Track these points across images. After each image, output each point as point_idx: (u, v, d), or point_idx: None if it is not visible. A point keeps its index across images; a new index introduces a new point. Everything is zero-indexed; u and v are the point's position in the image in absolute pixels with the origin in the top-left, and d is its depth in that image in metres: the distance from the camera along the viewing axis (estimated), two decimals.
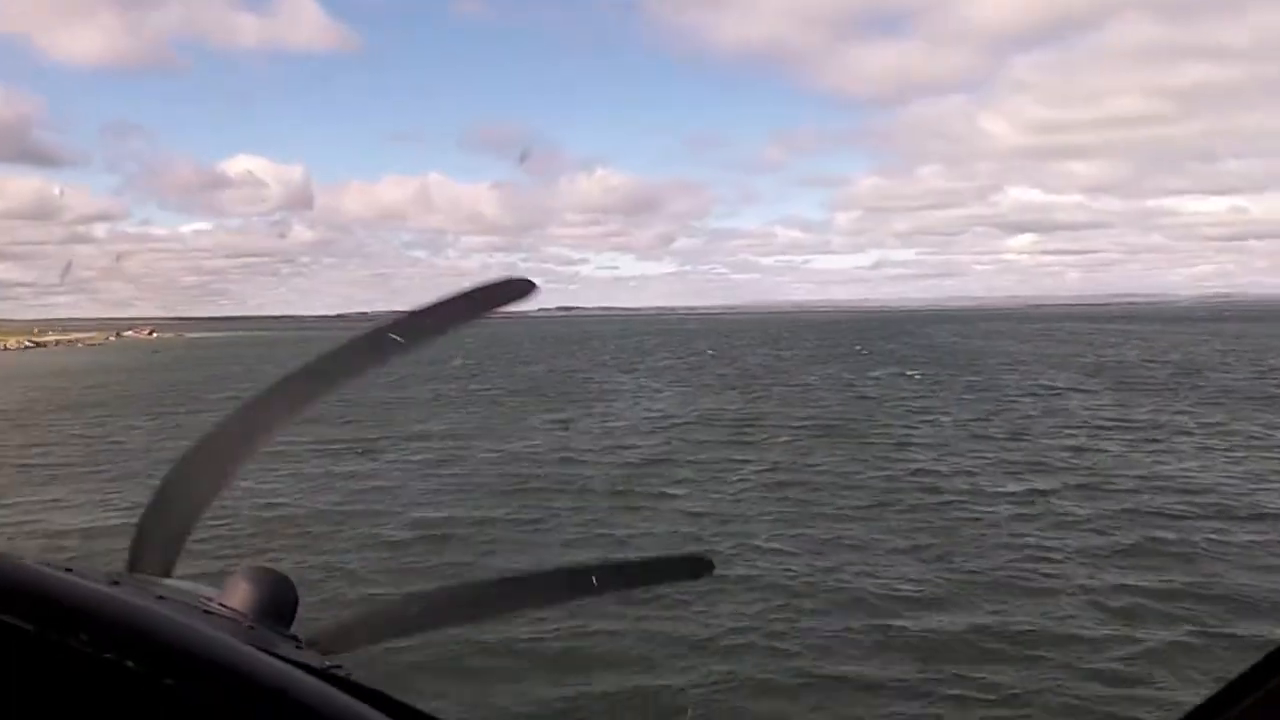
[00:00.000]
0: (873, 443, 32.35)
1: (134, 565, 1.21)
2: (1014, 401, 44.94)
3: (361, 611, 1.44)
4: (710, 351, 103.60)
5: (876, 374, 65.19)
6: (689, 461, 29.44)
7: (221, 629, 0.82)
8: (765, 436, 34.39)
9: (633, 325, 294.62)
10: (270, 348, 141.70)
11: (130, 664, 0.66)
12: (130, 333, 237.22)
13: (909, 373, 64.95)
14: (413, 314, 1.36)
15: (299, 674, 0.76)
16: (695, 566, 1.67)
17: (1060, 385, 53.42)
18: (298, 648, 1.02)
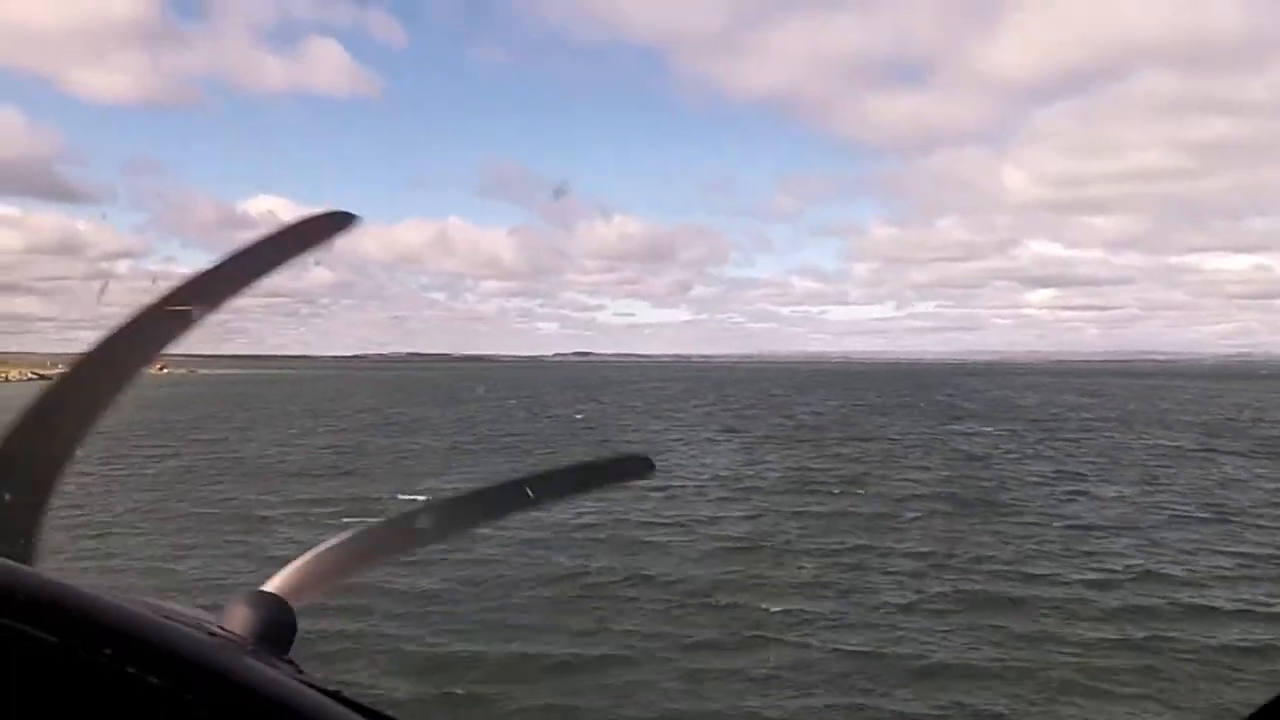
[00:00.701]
0: (1036, 523, 24.38)
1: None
2: (1160, 466, 36.85)
3: (312, 554, 1.37)
4: (746, 399, 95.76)
5: (957, 428, 57.23)
6: (798, 548, 21.57)
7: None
8: (886, 511, 26.40)
9: (650, 371, 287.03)
10: (269, 385, 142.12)
11: (154, 680, 0.67)
12: None
13: (986, 428, 57.01)
14: (216, 269, 1.26)
15: (317, 696, 0.78)
16: (636, 466, 1.62)
17: (1189, 446, 45.30)
18: (298, 673, 0.98)
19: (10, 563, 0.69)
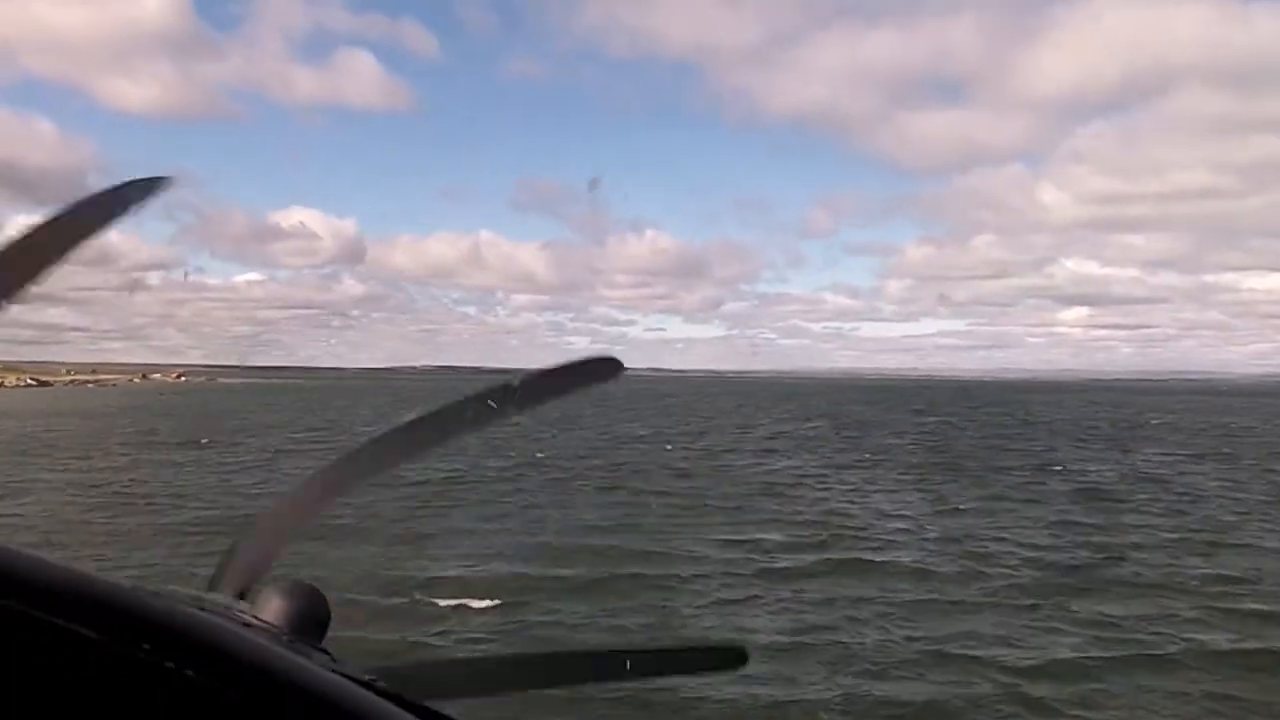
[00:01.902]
0: None
1: (214, 587, 1.21)
2: None
3: (405, 663, 1.45)
4: (823, 416, 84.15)
5: (1143, 453, 45.68)
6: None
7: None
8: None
9: (688, 386, 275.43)
10: (278, 395, 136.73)
11: (191, 674, 0.67)
12: (158, 375, 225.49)
13: (1156, 452, 45.32)
14: (511, 385, 1.36)
15: (354, 687, 0.79)
16: (729, 657, 1.58)
17: None
18: (333, 663, 0.99)
19: (47, 559, 0.68)
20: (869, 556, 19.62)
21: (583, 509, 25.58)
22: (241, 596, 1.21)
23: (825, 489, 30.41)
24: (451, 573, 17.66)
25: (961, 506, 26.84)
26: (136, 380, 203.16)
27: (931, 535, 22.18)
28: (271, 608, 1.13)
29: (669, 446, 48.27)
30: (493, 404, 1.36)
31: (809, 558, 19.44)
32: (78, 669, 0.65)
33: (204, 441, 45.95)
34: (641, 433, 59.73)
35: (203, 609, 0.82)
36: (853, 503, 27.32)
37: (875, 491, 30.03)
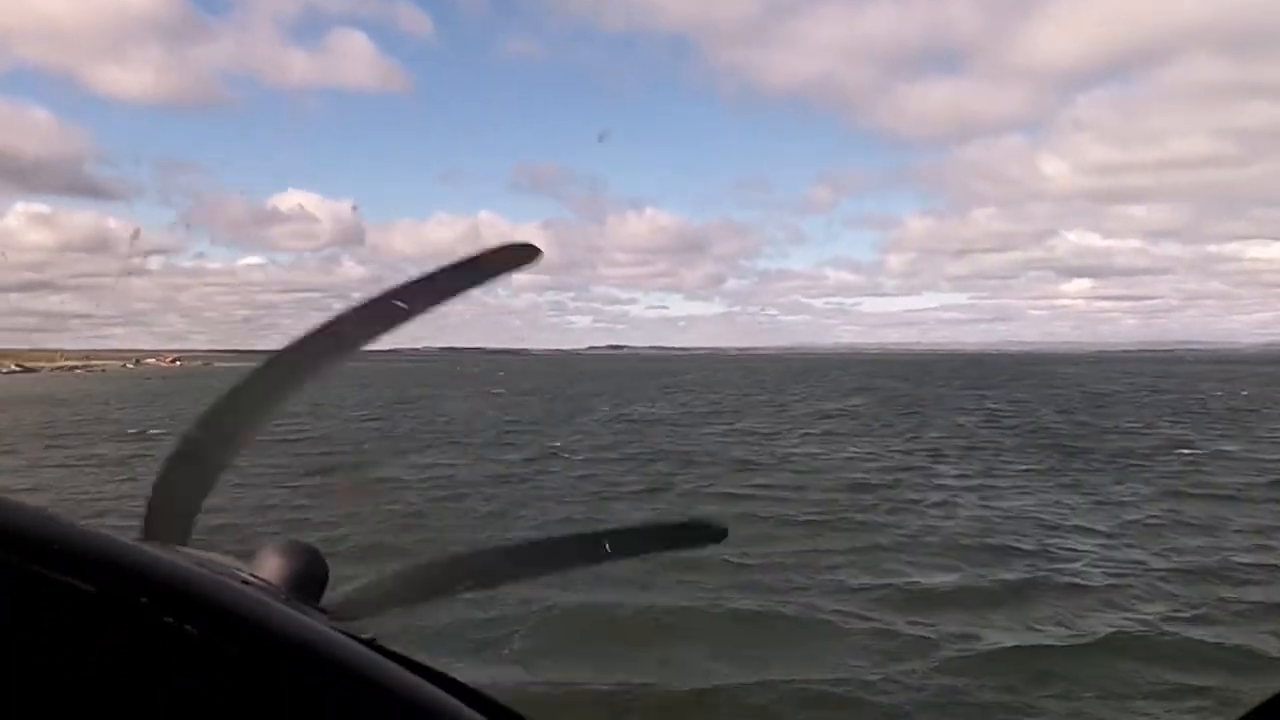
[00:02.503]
0: None
1: (148, 534, 1.18)
2: None
3: (377, 579, 1.37)
4: (857, 393, 76.85)
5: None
6: None
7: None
8: None
9: (694, 363, 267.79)
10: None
11: (189, 628, 0.67)
12: (152, 360, 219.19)
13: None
14: (418, 280, 1.33)
15: (352, 643, 0.78)
16: (708, 533, 1.62)
17: None
18: (330, 620, 1.00)
19: (46, 512, 0.68)
20: (1128, 619, 12.17)
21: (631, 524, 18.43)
22: (183, 542, 1.17)
23: (939, 487, 23.18)
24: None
25: (1136, 509, 19.67)
26: (130, 365, 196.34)
27: (1158, 566, 14.93)
28: (270, 566, 1.12)
29: (705, 430, 41.13)
30: (403, 304, 1.32)
31: (1051, 632, 11.67)
32: (77, 623, 0.64)
33: (149, 433, 38.81)
34: (666, 412, 52.58)
35: (202, 566, 0.82)
36: (992, 507, 20.07)
37: (1008, 489, 22.77)
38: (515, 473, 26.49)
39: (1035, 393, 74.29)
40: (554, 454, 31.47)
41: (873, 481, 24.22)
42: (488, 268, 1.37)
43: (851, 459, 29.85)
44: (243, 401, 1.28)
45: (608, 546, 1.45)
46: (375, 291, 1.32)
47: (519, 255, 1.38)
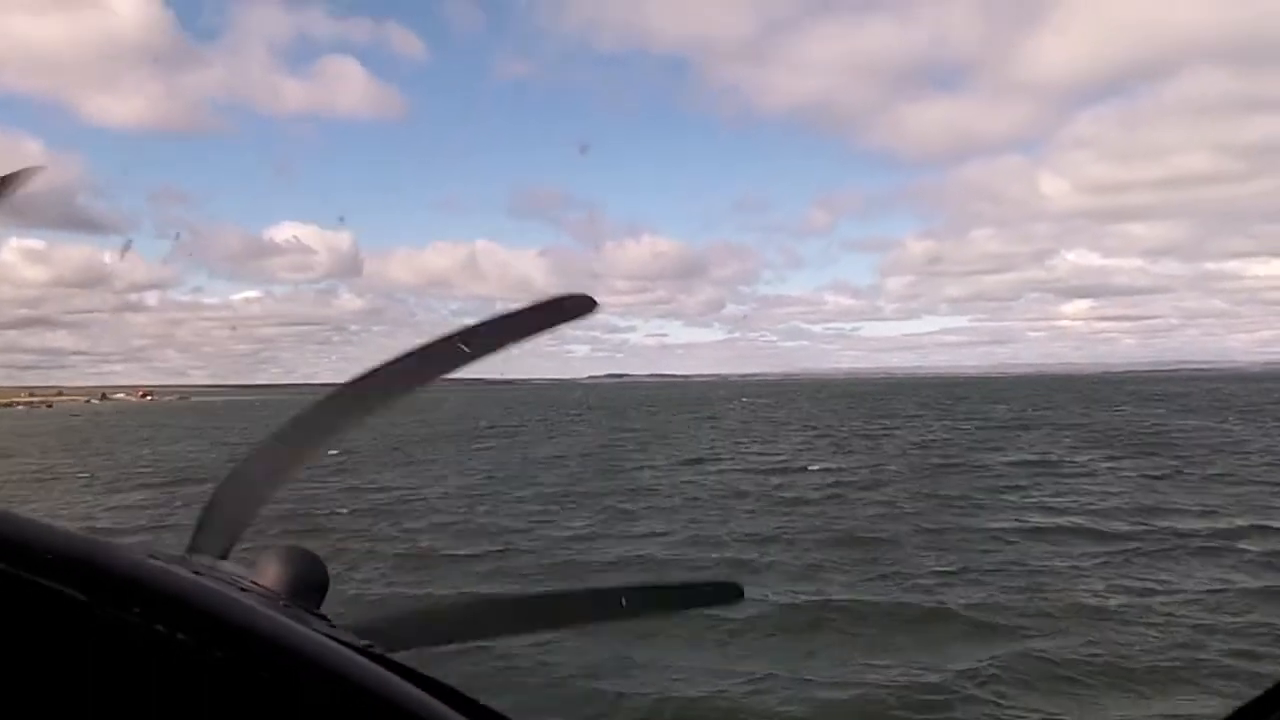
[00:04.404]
0: None
1: (193, 549, 1.22)
2: None
3: (396, 613, 1.45)
4: (911, 419, 64.59)
5: None
6: None
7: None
8: None
9: (690, 390, 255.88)
10: (240, 412, 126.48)
11: (181, 636, 0.67)
12: (121, 395, 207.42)
13: None
14: (478, 326, 1.39)
15: (345, 650, 0.78)
16: (725, 593, 1.65)
17: None
18: (330, 628, 1.01)
19: (36, 519, 0.67)
20: None
21: None
22: (223, 557, 1.20)
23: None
24: None
25: None
26: (94, 401, 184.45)
27: None
28: (270, 573, 1.12)
29: (810, 468, 29.13)
30: (465, 347, 1.37)
31: None
32: (66, 631, 0.64)
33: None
34: (716, 450, 40.78)
35: (198, 574, 0.82)
36: None
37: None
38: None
39: (1094, 408, 62.05)
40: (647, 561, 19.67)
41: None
42: (546, 317, 1.41)
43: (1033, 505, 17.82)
44: (300, 431, 1.34)
45: (625, 602, 1.45)
46: (437, 335, 1.38)
47: (576, 306, 1.43)
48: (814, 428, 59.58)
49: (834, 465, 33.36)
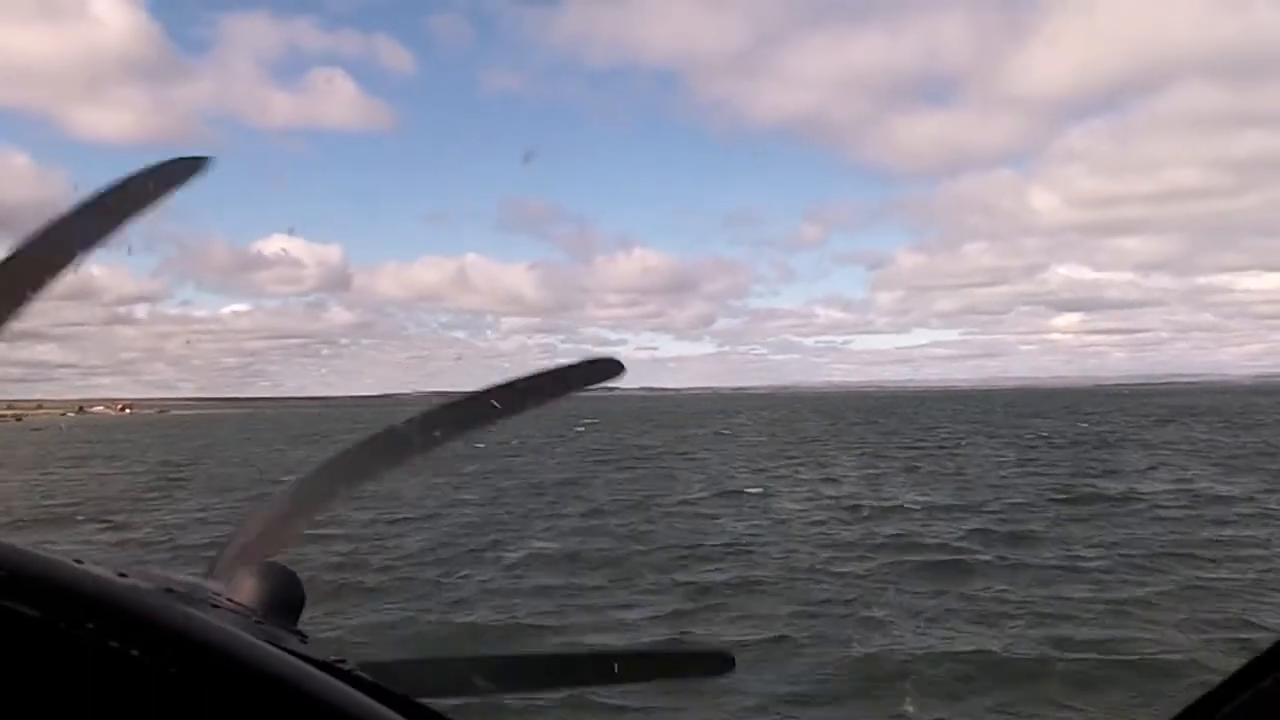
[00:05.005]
0: None
1: (209, 572, 1.22)
2: None
3: (389, 661, 1.36)
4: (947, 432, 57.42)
5: None
6: None
7: (228, 623, 0.82)
8: None
9: (703, 406, 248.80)
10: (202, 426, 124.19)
11: (136, 653, 0.65)
12: (99, 408, 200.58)
13: None
14: (509, 384, 1.39)
15: (306, 666, 0.76)
16: (716, 663, 1.60)
17: None
18: (303, 643, 1.00)
19: None
20: None
21: None
22: (209, 575, 1.20)
23: None
24: None
25: None
26: (69, 414, 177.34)
27: None
28: (245, 589, 1.11)
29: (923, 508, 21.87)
30: (496, 403, 1.38)
31: None
32: (20, 648, 0.63)
33: None
34: (763, 476, 33.60)
35: (170, 590, 0.81)
36: None
37: None
38: None
39: (1165, 423, 55.09)
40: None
41: None
42: (575, 379, 1.42)
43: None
44: (335, 472, 1.35)
45: (616, 668, 1.46)
46: (470, 391, 1.39)
47: (605, 370, 1.44)
48: (852, 445, 52.38)
49: (929, 498, 26.07)
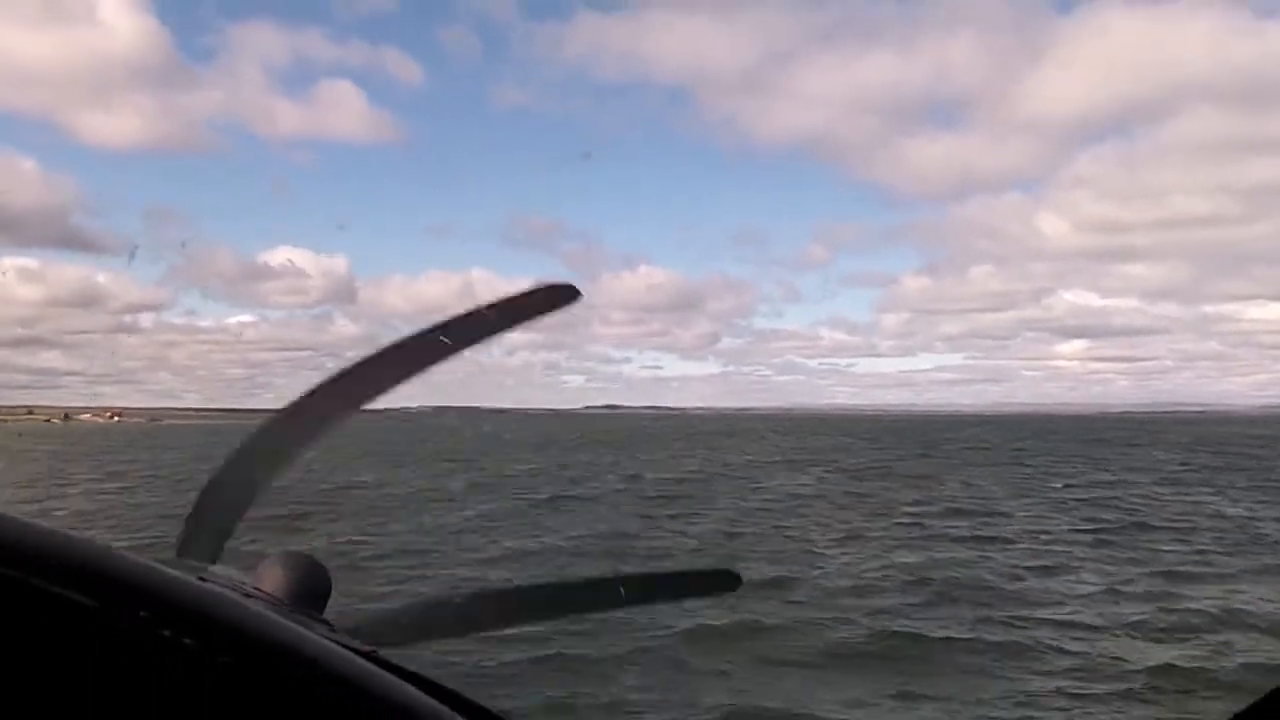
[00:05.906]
0: None
1: (181, 554, 1.23)
2: None
3: (395, 609, 1.42)
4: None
5: None
6: None
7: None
8: None
9: (693, 423, 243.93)
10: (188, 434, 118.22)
11: (188, 641, 0.67)
12: (87, 416, 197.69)
13: None
14: (460, 317, 1.37)
15: (349, 655, 0.78)
16: (722, 581, 1.63)
17: None
18: (333, 633, 1.02)
19: (44, 526, 0.68)
20: None
21: None
22: (213, 561, 1.21)
23: None
24: None
25: None
26: (56, 422, 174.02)
27: None
28: (273, 579, 1.13)
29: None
30: (445, 339, 1.35)
31: None
32: (75, 636, 0.65)
33: None
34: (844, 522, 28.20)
35: (203, 579, 0.83)
36: None
37: None
38: None
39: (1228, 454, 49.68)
40: None
41: None
42: (528, 307, 1.39)
43: None
44: (278, 434, 1.33)
45: (623, 591, 1.44)
46: (418, 328, 1.34)
47: (558, 295, 1.40)
48: (910, 476, 46.90)
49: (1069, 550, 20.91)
